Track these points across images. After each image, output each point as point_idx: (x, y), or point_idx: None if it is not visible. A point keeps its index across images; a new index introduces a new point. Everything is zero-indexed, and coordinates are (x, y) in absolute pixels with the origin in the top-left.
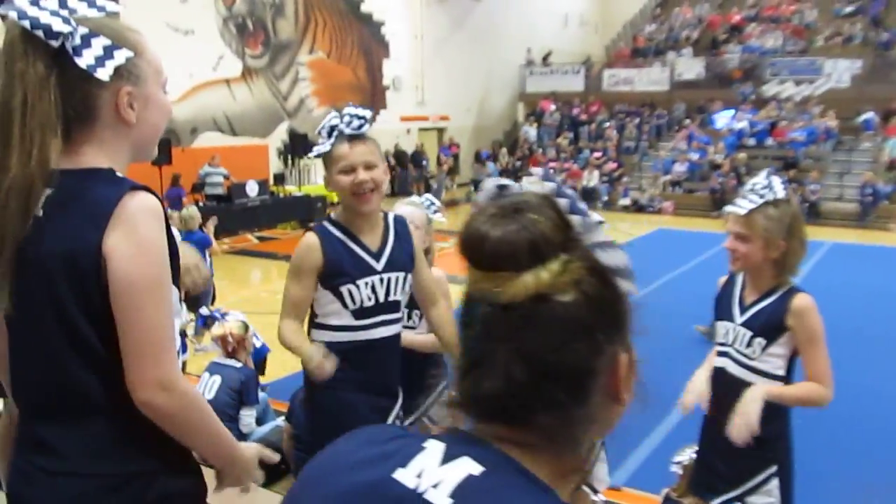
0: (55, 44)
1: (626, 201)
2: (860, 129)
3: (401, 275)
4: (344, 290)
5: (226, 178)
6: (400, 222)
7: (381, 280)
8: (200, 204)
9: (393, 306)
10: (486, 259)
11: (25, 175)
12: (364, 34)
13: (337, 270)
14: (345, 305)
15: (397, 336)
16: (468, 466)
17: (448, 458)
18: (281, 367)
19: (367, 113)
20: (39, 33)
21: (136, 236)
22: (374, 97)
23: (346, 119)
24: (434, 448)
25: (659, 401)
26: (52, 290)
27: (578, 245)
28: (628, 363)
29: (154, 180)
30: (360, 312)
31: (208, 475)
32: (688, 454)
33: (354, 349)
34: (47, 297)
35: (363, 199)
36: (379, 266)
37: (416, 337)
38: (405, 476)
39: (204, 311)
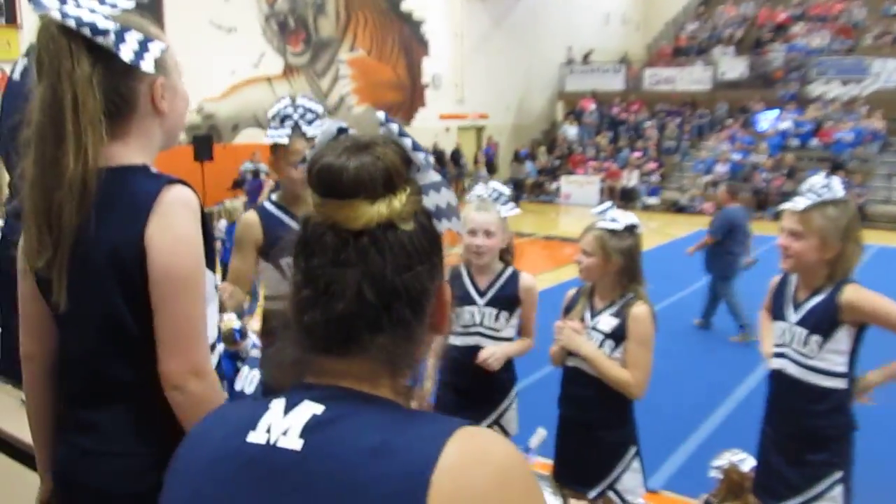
0: (102, 40)
1: (654, 200)
2: None
3: None
4: (283, 262)
5: (266, 174)
6: None
7: None
8: (241, 200)
9: None
10: (345, 187)
11: (82, 172)
12: (404, 32)
13: (276, 245)
14: (285, 277)
15: None
16: (310, 408)
17: (290, 407)
18: None
19: (320, 108)
20: (86, 31)
21: (172, 228)
22: (414, 95)
23: (301, 111)
24: (276, 404)
25: (697, 403)
26: (100, 285)
27: (414, 181)
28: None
29: (196, 176)
30: None
31: None
32: (727, 458)
33: None
34: (96, 293)
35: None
36: None
37: (512, 346)
38: (256, 437)
39: (237, 324)
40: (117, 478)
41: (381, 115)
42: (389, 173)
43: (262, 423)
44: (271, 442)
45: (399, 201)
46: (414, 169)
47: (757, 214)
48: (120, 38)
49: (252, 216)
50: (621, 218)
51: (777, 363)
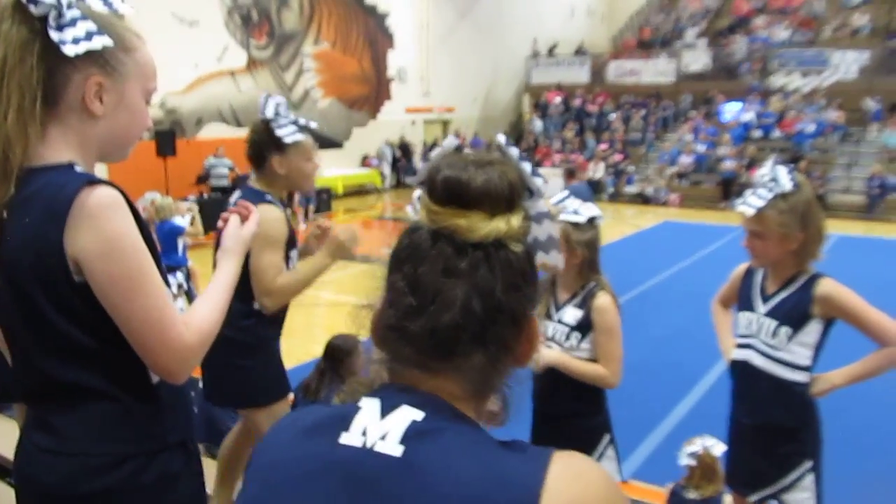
0: (34, 10)
1: (631, 188)
2: (868, 119)
3: None
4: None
5: (231, 169)
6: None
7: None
8: (205, 196)
9: None
10: (471, 197)
11: None
12: (369, 25)
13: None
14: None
15: None
16: (409, 413)
17: (387, 410)
18: (286, 356)
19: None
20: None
21: (102, 234)
22: (380, 88)
23: (284, 107)
24: (370, 405)
25: (664, 393)
26: (22, 290)
27: (525, 207)
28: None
29: (159, 171)
30: None
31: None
32: (699, 443)
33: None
34: (17, 297)
35: (313, 182)
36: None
37: None
38: (351, 438)
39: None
40: (70, 478)
41: (500, 138)
42: (512, 191)
43: (356, 425)
44: (368, 445)
45: (516, 220)
46: (528, 194)
47: (721, 205)
48: (72, 23)
49: (279, 212)
50: (583, 210)
51: (742, 354)
